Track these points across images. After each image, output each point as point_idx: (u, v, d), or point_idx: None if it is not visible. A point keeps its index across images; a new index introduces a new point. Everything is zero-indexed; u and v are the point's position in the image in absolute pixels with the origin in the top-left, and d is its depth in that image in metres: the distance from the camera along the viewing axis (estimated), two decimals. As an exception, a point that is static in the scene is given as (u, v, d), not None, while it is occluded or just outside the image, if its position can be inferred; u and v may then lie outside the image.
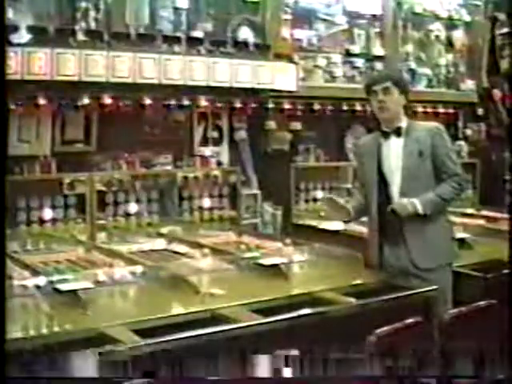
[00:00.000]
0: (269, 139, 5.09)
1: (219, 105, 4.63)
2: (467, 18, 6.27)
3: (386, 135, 3.26)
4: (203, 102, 4.52)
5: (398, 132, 3.23)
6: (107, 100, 4.10)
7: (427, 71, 5.96)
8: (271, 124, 5.05)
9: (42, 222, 3.95)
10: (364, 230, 3.63)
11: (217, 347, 2.28)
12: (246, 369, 2.14)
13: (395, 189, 3.20)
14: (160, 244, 4.02)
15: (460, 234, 3.96)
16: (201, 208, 4.55)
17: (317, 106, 5.18)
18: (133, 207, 4.26)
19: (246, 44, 4.58)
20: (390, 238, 3.24)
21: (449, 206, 3.32)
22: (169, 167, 4.58)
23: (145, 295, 2.97)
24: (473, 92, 6.24)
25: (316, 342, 2.40)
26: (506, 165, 6.18)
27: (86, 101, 4.04)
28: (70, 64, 3.76)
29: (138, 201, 4.29)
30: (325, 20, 5.36)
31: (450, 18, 6.18)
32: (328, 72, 5.33)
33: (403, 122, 3.25)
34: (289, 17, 5.04)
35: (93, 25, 4.01)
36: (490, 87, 6.34)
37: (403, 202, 3.13)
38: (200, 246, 3.80)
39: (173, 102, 4.37)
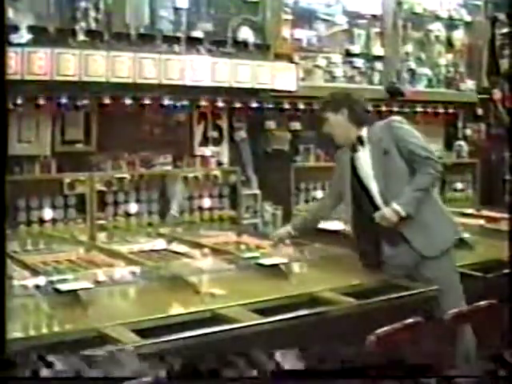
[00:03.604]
0: (269, 139, 5.09)
1: (219, 105, 4.63)
2: (467, 18, 6.26)
3: (353, 149, 3.29)
4: (203, 102, 4.52)
5: (361, 142, 3.26)
6: (107, 100, 4.10)
7: (427, 71, 5.96)
8: (271, 124, 5.05)
9: (42, 222, 3.96)
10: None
11: (217, 347, 2.28)
12: (245, 369, 2.14)
13: (377, 195, 3.22)
14: (160, 244, 4.02)
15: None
16: (201, 208, 4.55)
17: (317, 106, 5.18)
18: (133, 207, 4.26)
19: (245, 44, 4.58)
20: (387, 237, 3.24)
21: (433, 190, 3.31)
22: (169, 167, 4.58)
23: (145, 295, 2.97)
24: (473, 92, 6.24)
25: (316, 342, 2.40)
26: (506, 165, 6.18)
27: (85, 101, 4.04)
28: (70, 64, 3.76)
29: (138, 201, 4.30)
30: (325, 20, 5.36)
31: (450, 18, 6.18)
32: (328, 72, 5.33)
33: (362, 131, 3.27)
34: (289, 17, 5.04)
35: (93, 25, 4.01)
36: (490, 87, 6.34)
37: (384, 213, 3.13)
38: (200, 245, 3.80)
39: (173, 102, 4.37)
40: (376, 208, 3.20)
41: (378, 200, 3.20)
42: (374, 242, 3.29)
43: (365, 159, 3.24)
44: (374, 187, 3.22)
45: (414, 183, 3.13)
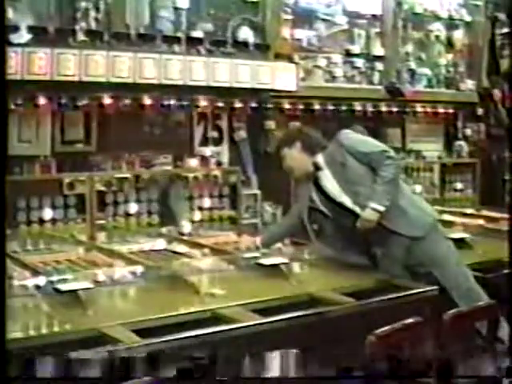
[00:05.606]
0: (269, 139, 5.09)
1: (219, 105, 4.63)
2: (467, 18, 6.27)
3: (314, 176, 3.36)
4: (203, 101, 4.52)
5: (318, 167, 3.35)
6: (107, 100, 4.10)
7: (427, 71, 5.96)
8: (271, 124, 5.05)
9: (41, 221, 3.96)
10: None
11: (217, 347, 2.28)
12: (245, 369, 2.14)
13: (353, 207, 3.26)
14: (160, 244, 4.02)
15: (460, 234, 3.96)
16: (201, 208, 4.55)
17: (317, 106, 5.19)
18: (133, 207, 4.26)
19: (245, 44, 4.59)
20: (373, 239, 3.29)
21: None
22: (169, 167, 4.58)
23: (145, 295, 2.97)
24: (473, 92, 6.25)
25: (316, 342, 2.41)
26: (506, 165, 6.18)
27: (85, 101, 4.04)
28: (70, 64, 3.76)
29: (138, 201, 4.30)
30: (325, 20, 5.36)
31: (450, 18, 6.19)
32: (328, 72, 5.34)
33: (318, 158, 3.35)
34: (289, 17, 5.05)
35: (93, 25, 4.01)
36: (490, 87, 6.34)
37: (364, 216, 3.20)
38: (200, 245, 3.80)
39: (173, 102, 4.37)
40: (357, 218, 3.25)
41: (357, 210, 3.25)
42: (364, 249, 3.35)
43: (329, 181, 3.32)
44: (347, 201, 3.28)
45: (380, 178, 3.21)
